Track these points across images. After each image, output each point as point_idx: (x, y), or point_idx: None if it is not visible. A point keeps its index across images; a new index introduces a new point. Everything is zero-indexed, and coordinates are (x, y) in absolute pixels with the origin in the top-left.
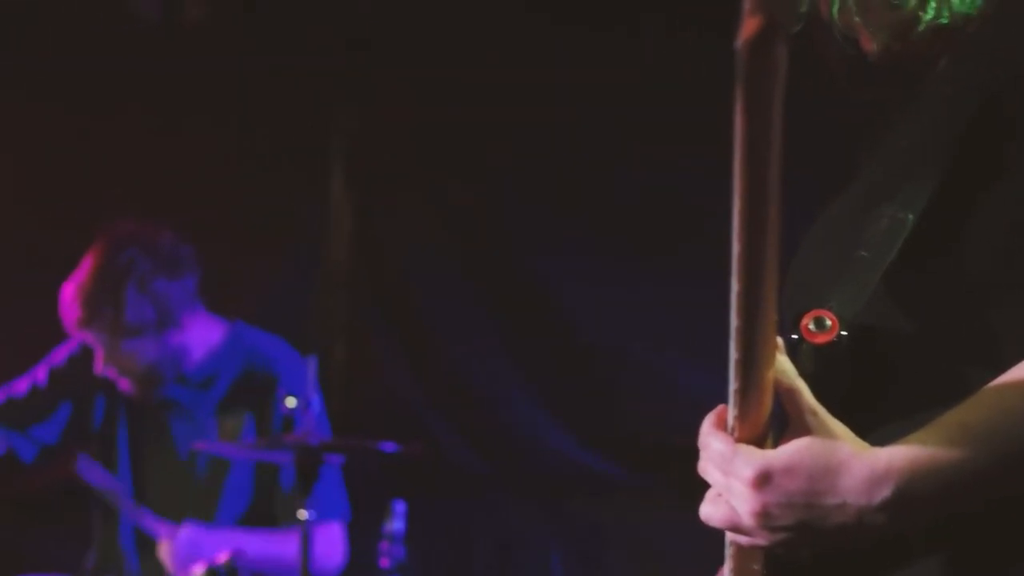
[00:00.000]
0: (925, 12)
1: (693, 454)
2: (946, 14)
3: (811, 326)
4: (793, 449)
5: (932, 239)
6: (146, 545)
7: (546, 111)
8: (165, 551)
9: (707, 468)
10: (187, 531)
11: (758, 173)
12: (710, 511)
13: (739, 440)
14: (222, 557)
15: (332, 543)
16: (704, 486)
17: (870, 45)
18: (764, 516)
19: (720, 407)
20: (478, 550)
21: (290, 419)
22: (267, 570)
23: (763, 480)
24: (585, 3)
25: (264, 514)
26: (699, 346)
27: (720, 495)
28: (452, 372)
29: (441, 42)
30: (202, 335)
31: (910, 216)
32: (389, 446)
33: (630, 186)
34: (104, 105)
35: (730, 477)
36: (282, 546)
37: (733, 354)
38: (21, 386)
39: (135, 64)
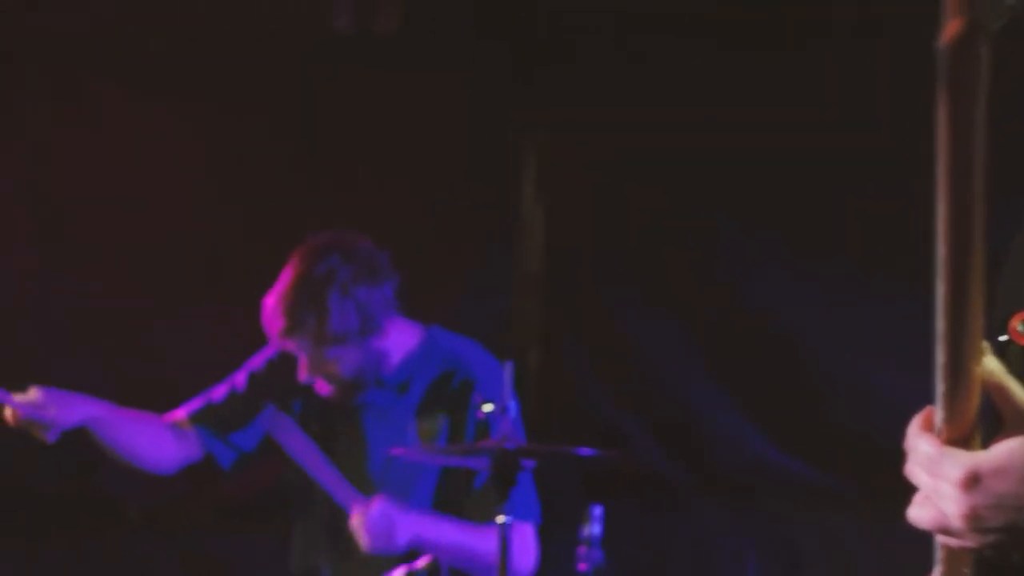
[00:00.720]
0: None
1: (892, 457)
2: None
3: (1020, 327)
4: (1004, 450)
5: None
6: (343, 542)
7: (743, 111)
8: (357, 523)
9: (914, 471)
10: (381, 505)
11: (962, 175)
12: (918, 513)
13: (946, 442)
14: (422, 562)
15: (526, 544)
16: (907, 490)
17: None
18: (973, 518)
19: (926, 409)
20: (674, 553)
21: (486, 424)
22: (458, 560)
23: (972, 482)
24: None
25: (455, 513)
26: (897, 348)
27: (928, 498)
28: (645, 377)
29: (634, 45)
30: (400, 340)
31: None
32: (586, 451)
33: (822, 191)
34: (300, 114)
35: (938, 479)
36: (475, 539)
37: (940, 357)
38: (220, 392)
39: (332, 73)
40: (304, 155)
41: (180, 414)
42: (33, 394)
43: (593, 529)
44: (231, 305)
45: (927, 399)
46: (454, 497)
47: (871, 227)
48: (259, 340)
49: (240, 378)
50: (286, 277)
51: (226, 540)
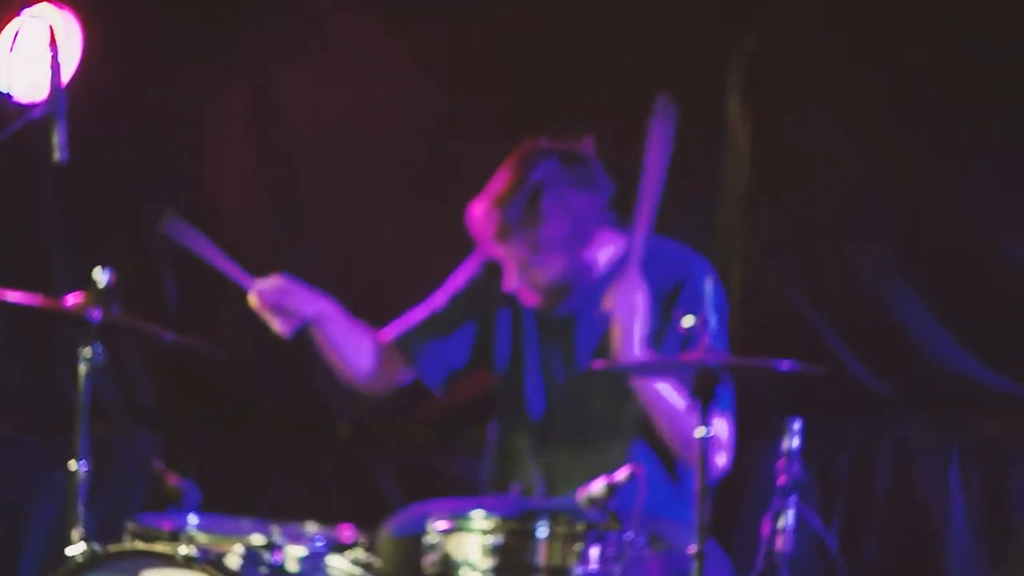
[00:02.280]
0: None
1: None
2: None
3: None
4: None
5: None
6: (548, 452)
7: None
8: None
9: None
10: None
11: None
12: None
13: None
14: (622, 474)
15: (720, 436)
16: None
17: None
18: None
19: None
20: (877, 467)
21: (688, 337)
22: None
23: None
24: None
25: None
26: None
27: None
28: (853, 293)
29: None
30: (607, 248)
31: None
32: (786, 364)
33: None
34: (523, 23)
35: None
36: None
37: None
38: (424, 313)
39: None
40: (523, 58)
41: (386, 337)
42: (277, 280)
43: (792, 442)
44: (453, 209)
45: None
46: None
47: None
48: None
49: (442, 297)
50: (501, 179)
51: (436, 454)
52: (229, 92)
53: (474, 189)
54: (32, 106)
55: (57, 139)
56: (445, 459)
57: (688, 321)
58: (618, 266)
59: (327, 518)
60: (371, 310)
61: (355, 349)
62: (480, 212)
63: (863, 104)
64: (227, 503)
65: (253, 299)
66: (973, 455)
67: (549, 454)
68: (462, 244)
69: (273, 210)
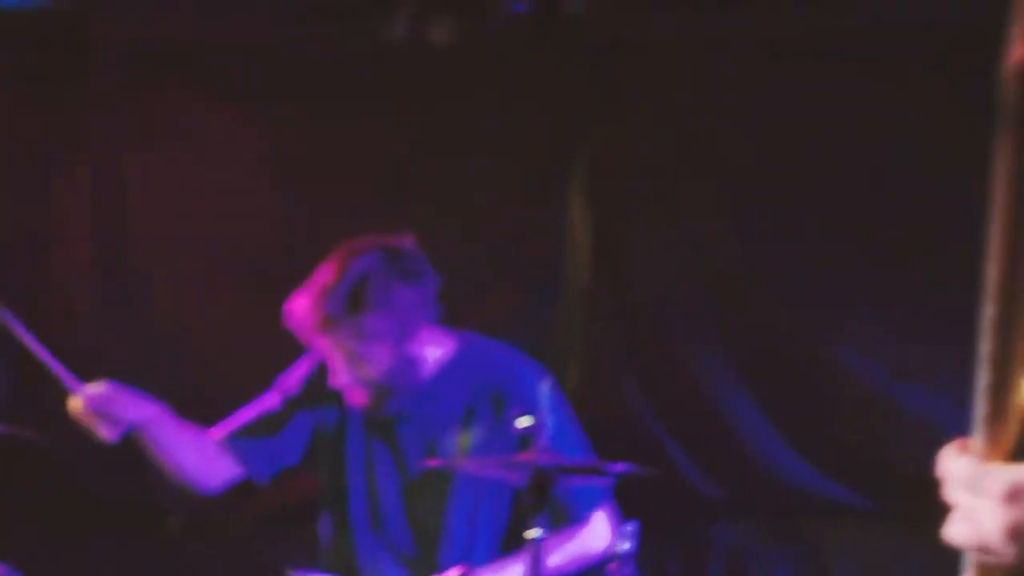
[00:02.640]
0: None
1: (927, 480)
2: None
3: None
4: None
5: None
6: (379, 547)
7: (801, 126)
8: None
9: (953, 490)
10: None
11: (1020, 197)
12: (956, 531)
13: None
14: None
15: (604, 528)
16: (941, 511)
17: None
18: (1015, 532)
19: (962, 439)
20: (708, 570)
21: (525, 438)
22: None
23: (1015, 495)
24: None
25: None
26: (936, 375)
27: (967, 515)
28: (688, 396)
29: (681, 57)
30: (434, 348)
31: None
32: (622, 467)
33: (866, 206)
34: (352, 121)
35: (979, 495)
36: (579, 546)
37: (983, 379)
38: (256, 410)
39: (381, 83)
40: (361, 163)
41: (219, 434)
42: (102, 387)
43: (626, 545)
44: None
45: (963, 424)
46: (513, 512)
47: (915, 258)
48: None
49: (274, 395)
50: (323, 272)
51: (269, 549)
52: (73, 180)
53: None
54: None
55: None
56: (278, 554)
57: (523, 422)
58: (446, 368)
59: None
60: (214, 402)
61: (184, 451)
62: (302, 305)
63: (697, 209)
64: None
65: (76, 404)
66: (803, 559)
67: (375, 555)
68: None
69: (115, 301)
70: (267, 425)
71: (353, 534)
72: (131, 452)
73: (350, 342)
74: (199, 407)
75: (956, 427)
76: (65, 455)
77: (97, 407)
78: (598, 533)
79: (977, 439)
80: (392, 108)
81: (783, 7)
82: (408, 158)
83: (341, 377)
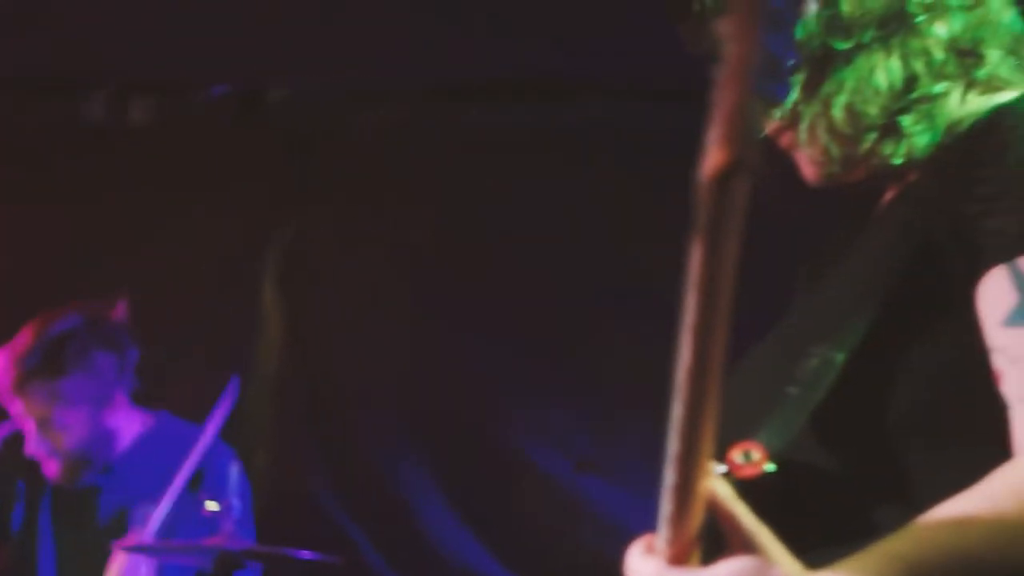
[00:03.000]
0: (883, 150)
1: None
2: (901, 155)
3: (738, 458)
4: (734, 567)
5: (859, 381)
6: None
7: (493, 218)
8: None
9: None
10: None
11: (712, 303)
12: None
13: (668, 560)
14: None
15: None
16: None
17: (811, 170)
18: None
19: (645, 536)
20: None
21: (213, 521)
22: None
23: None
24: None
25: None
26: (617, 467)
27: None
28: (373, 483)
29: (376, 149)
30: (129, 423)
31: (839, 357)
32: (307, 554)
33: (551, 297)
34: (53, 198)
35: None
36: None
37: (670, 478)
38: None
39: (80, 165)
40: (58, 239)
41: None
42: None
43: None
44: None
45: (642, 518)
46: None
47: (594, 351)
48: None
49: None
50: (23, 334)
51: None
52: None
53: None
54: None
55: None
56: None
57: (212, 506)
58: (142, 443)
59: None
60: None
61: None
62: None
63: (387, 300)
64: None
65: None
66: None
67: None
68: None
69: None
70: None
71: None
72: None
73: (46, 407)
74: None
75: (636, 521)
76: None
77: None
78: None
79: (661, 537)
80: (91, 188)
81: (480, 103)
82: (106, 238)
83: (34, 445)
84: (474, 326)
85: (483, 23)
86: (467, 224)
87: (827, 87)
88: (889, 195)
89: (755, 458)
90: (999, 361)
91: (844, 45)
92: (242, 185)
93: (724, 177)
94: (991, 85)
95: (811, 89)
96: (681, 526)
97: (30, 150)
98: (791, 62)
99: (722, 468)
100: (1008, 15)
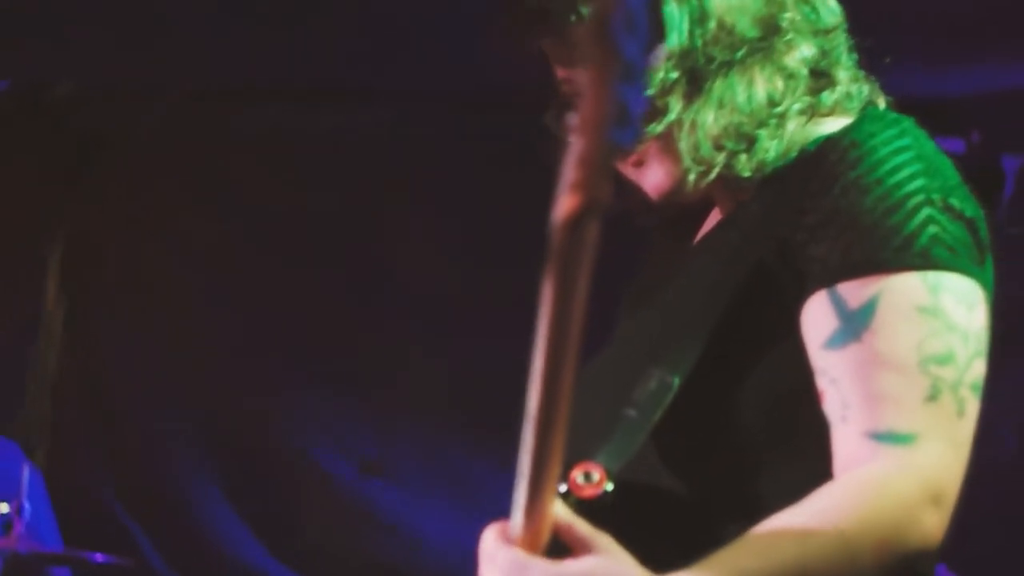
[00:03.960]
0: (736, 163)
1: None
2: (751, 169)
3: (579, 479)
4: (589, 562)
5: (696, 402)
6: None
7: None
8: None
9: (490, 572)
10: None
11: (563, 334)
12: None
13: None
14: None
15: None
16: None
17: (660, 185)
18: None
19: (499, 523)
20: None
21: (8, 524)
22: None
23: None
24: None
25: None
26: (398, 470)
27: None
28: (156, 484)
29: (164, 145)
30: None
31: (676, 379)
32: (101, 557)
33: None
34: None
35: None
36: None
37: (525, 469)
38: None
39: None
40: None
41: None
42: None
43: None
44: None
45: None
46: None
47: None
48: None
49: None
50: None
51: None
52: None
53: None
54: None
55: None
56: None
57: (3, 508)
58: None
59: None
60: None
61: None
62: None
63: (171, 297)
64: None
65: None
66: None
67: None
68: None
69: None
70: None
71: None
72: None
73: None
74: None
75: (418, 521)
76: None
77: None
78: None
79: (516, 526)
80: None
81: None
82: None
83: None
84: (260, 325)
85: (273, 24)
86: (252, 221)
87: (697, 102)
88: (713, 220)
89: (595, 478)
90: (821, 382)
91: (715, 62)
92: (23, 181)
93: (576, 220)
94: (830, 111)
95: (681, 103)
96: (535, 516)
97: None
98: (641, 110)
99: (563, 487)
100: (850, 49)
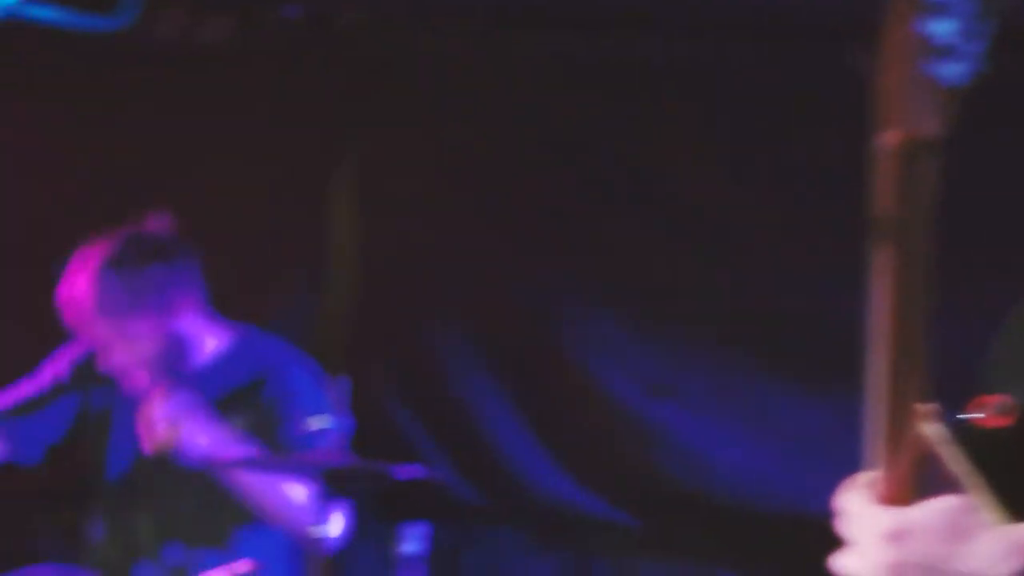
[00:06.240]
0: None
1: (686, 501)
2: None
3: (988, 409)
4: (933, 509)
5: None
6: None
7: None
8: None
9: (845, 523)
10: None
11: (910, 257)
12: (845, 563)
13: (880, 500)
14: (244, 566)
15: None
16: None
17: None
18: (896, 571)
19: (859, 475)
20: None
21: (306, 437)
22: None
23: (898, 536)
24: None
25: None
26: (687, 392)
27: (856, 549)
28: (447, 401)
29: (455, 63)
30: (209, 336)
31: None
32: (408, 471)
33: (640, 232)
34: (123, 113)
35: (866, 532)
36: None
37: (878, 416)
38: (24, 390)
39: (155, 76)
40: (127, 150)
41: None
42: None
43: (412, 547)
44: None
45: (720, 445)
46: None
47: (683, 272)
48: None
49: (44, 374)
50: (81, 256)
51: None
52: None
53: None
54: None
55: None
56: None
57: (314, 422)
58: (224, 356)
59: None
60: None
61: None
62: (63, 291)
63: (462, 217)
64: None
65: None
66: (562, 569)
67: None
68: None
69: None
70: (34, 407)
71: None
72: None
73: (111, 323)
74: None
75: (706, 444)
76: None
77: None
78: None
79: (871, 474)
80: (162, 106)
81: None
82: (175, 155)
83: (109, 360)
84: (552, 248)
85: None
86: (533, 149)
87: None
88: None
89: (1004, 409)
90: None
91: None
92: (315, 101)
93: (901, 153)
94: None
95: None
96: (891, 467)
97: (98, 69)
98: (973, 46)
99: (970, 414)
100: None
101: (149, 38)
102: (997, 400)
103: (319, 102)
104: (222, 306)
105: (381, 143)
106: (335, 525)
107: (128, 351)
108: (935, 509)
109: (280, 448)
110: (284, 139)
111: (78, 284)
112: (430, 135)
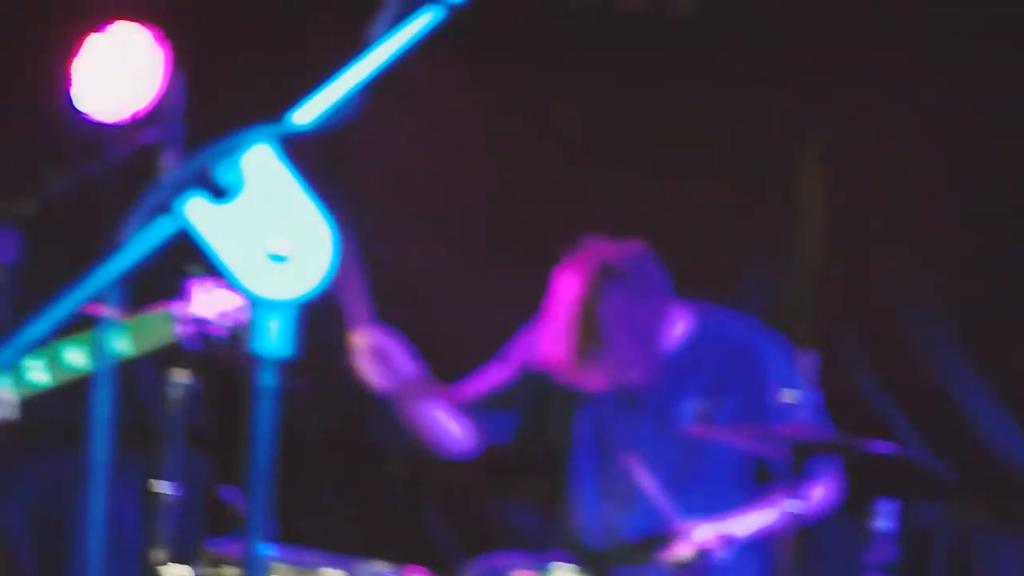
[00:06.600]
0: None
1: None
2: None
3: None
4: None
5: None
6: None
7: None
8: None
9: None
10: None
11: None
12: None
13: None
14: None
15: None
16: None
17: None
18: None
19: None
20: (935, 552)
21: (784, 410)
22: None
23: None
24: None
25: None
26: None
27: None
28: (916, 374)
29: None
30: (676, 322)
31: None
32: (884, 447)
33: None
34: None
35: None
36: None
37: None
38: (495, 376)
39: (615, 51)
40: (584, 133)
41: (461, 399)
42: (385, 332)
43: (884, 523)
44: (511, 275)
45: None
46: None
47: None
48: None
49: (511, 363)
50: (562, 307)
51: (488, 501)
52: None
53: (540, 251)
54: (140, 129)
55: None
56: (496, 506)
57: (786, 395)
58: (690, 341)
59: (376, 555)
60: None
61: (435, 417)
62: (547, 345)
63: (931, 197)
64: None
65: (361, 340)
66: None
67: (604, 513)
68: (529, 301)
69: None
70: (509, 396)
71: (583, 495)
72: (356, 397)
73: (600, 369)
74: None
75: None
76: (294, 399)
77: (380, 349)
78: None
79: None
80: (623, 76)
81: None
82: (638, 122)
83: (598, 383)
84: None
85: None
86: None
87: None
88: None
89: None
90: None
91: None
92: (783, 73)
93: None
94: None
95: None
96: None
97: (566, 42)
98: None
99: None
100: None
101: (612, 10)
102: None
103: (783, 76)
104: (691, 285)
105: (850, 113)
106: (816, 497)
107: (612, 379)
108: None
109: (761, 421)
110: (749, 114)
111: (555, 340)
112: (901, 101)
